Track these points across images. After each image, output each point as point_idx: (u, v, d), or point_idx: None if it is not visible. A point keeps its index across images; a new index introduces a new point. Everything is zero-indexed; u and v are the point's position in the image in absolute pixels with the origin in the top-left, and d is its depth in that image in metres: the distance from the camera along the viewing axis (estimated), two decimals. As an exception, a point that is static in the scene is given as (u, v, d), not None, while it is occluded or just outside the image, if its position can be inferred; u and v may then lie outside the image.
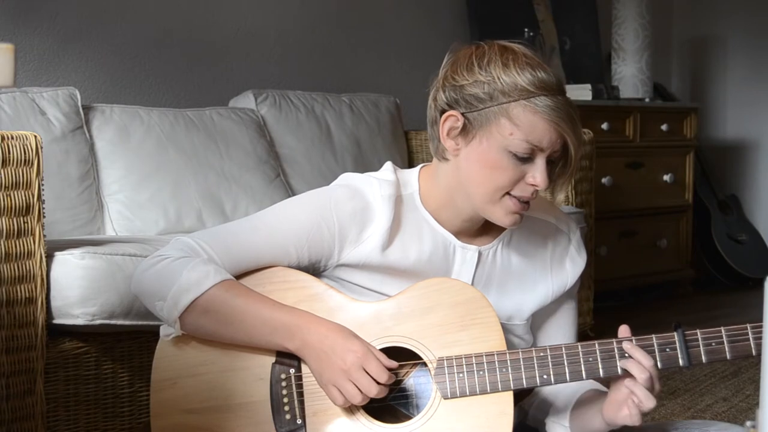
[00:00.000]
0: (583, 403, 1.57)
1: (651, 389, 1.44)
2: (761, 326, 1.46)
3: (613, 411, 1.47)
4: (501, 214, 1.51)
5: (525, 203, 1.51)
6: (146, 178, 2.85)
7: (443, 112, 1.52)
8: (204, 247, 1.53)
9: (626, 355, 1.46)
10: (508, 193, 1.50)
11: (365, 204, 1.55)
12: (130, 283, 1.60)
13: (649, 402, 1.43)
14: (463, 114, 1.49)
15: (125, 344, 2.23)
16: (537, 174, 1.48)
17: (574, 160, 1.50)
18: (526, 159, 1.47)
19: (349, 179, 1.59)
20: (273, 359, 1.51)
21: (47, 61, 3.13)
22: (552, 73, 1.49)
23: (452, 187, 1.55)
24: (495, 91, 1.47)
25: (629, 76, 4.70)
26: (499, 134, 1.47)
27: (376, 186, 1.55)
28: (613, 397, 1.47)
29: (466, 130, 1.50)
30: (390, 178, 1.58)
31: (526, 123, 1.45)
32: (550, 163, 1.50)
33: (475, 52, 1.51)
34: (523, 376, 1.47)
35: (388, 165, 1.61)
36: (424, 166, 1.63)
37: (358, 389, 1.43)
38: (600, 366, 1.47)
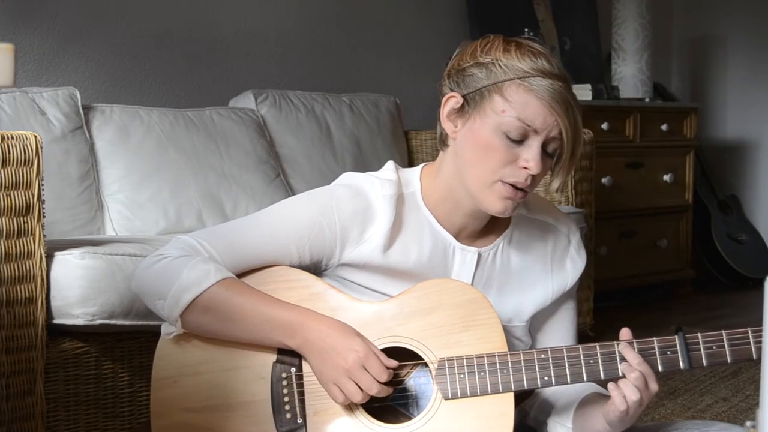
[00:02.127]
0: (586, 404, 1.56)
1: (644, 388, 1.44)
2: (762, 330, 1.46)
3: (606, 407, 1.47)
4: (493, 199, 1.49)
5: (520, 191, 1.49)
6: (146, 178, 2.85)
7: (445, 96, 1.54)
8: (205, 246, 1.53)
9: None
10: (501, 181, 1.48)
11: (367, 204, 1.54)
12: (130, 282, 1.60)
13: (633, 395, 1.43)
14: (462, 95, 1.50)
15: (125, 344, 2.23)
16: (529, 157, 1.46)
17: (566, 146, 1.48)
18: (519, 141, 1.46)
19: (350, 179, 1.59)
20: (274, 358, 1.51)
21: (47, 61, 3.13)
22: (556, 65, 1.49)
23: (452, 176, 1.55)
24: (492, 72, 1.47)
25: (629, 76, 4.70)
26: (492, 112, 1.47)
27: (377, 185, 1.55)
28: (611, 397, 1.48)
29: (463, 111, 1.51)
30: (392, 177, 1.57)
31: (518, 100, 1.45)
32: (549, 155, 1.49)
33: (480, 41, 1.54)
34: (524, 378, 1.47)
35: (390, 164, 1.61)
36: (426, 164, 1.63)
37: (359, 388, 1.43)
38: (601, 368, 1.47)
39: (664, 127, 4.68)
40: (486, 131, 1.48)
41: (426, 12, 4.32)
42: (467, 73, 1.50)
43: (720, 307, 4.56)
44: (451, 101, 1.52)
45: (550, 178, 1.53)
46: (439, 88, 1.57)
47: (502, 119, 1.46)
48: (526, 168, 1.47)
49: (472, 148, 1.49)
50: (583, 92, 4.30)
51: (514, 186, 1.48)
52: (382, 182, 1.56)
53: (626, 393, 1.43)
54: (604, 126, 4.35)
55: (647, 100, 4.71)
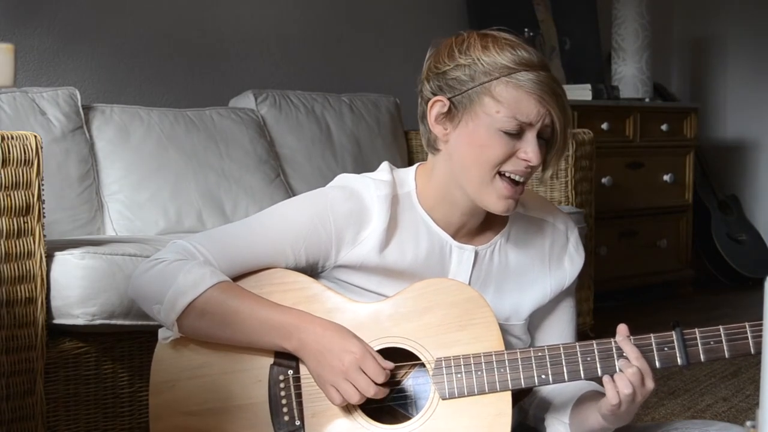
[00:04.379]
0: (583, 401, 1.56)
1: (640, 385, 1.44)
2: (760, 325, 1.46)
3: (600, 401, 1.47)
4: (494, 198, 1.50)
5: (518, 185, 1.50)
6: (146, 178, 2.85)
7: (429, 101, 1.53)
8: (200, 250, 1.53)
9: (623, 354, 1.46)
10: (500, 173, 1.49)
11: (362, 205, 1.55)
12: (127, 287, 1.60)
13: (625, 389, 1.42)
14: (448, 99, 1.50)
15: (125, 344, 2.23)
16: (528, 149, 1.47)
17: (559, 134, 1.50)
18: (516, 135, 1.48)
19: (345, 180, 1.59)
20: (271, 361, 1.51)
21: (47, 61, 3.14)
22: (533, 52, 1.49)
23: (446, 179, 1.55)
24: (476, 72, 1.48)
25: (629, 76, 4.70)
26: (485, 114, 1.47)
27: (372, 186, 1.56)
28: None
29: (452, 114, 1.51)
30: (386, 178, 1.58)
31: (510, 99, 1.46)
32: (544, 141, 1.50)
33: (455, 40, 1.53)
34: (522, 376, 1.47)
35: (385, 165, 1.62)
36: (420, 164, 1.63)
37: (356, 389, 1.43)
38: (598, 365, 1.47)
39: (664, 127, 4.68)
40: (482, 132, 1.48)
41: (426, 12, 4.32)
42: (449, 76, 1.50)
43: (720, 307, 4.56)
44: (437, 105, 1.52)
45: (544, 167, 1.54)
46: (418, 92, 1.57)
47: (496, 119, 1.47)
48: (525, 160, 1.48)
49: (470, 149, 1.50)
50: (583, 92, 4.30)
51: (512, 180, 1.49)
52: (376, 183, 1.56)
53: (619, 387, 1.43)
54: (604, 126, 4.35)
55: (647, 100, 4.71)
